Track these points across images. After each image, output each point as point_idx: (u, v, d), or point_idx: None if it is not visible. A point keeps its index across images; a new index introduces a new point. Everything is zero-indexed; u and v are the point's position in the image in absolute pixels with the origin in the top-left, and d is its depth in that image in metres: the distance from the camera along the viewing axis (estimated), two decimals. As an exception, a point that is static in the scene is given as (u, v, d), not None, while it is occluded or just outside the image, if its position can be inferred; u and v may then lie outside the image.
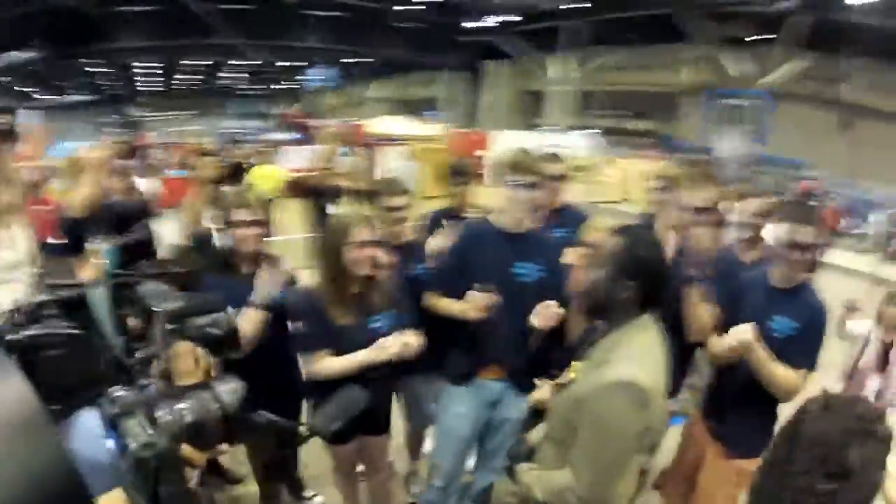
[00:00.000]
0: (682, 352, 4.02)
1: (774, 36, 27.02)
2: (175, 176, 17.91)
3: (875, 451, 1.84)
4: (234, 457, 5.31)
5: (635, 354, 2.67)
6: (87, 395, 1.58)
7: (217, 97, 63.40)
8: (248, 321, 3.96)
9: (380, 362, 3.86)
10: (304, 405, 4.52)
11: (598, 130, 33.64)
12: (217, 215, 4.84)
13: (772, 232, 4.91)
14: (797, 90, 28.05)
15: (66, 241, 5.08)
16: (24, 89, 41.85)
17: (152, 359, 1.75)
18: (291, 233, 9.73)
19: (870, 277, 15.09)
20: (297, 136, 33.72)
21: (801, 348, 3.78)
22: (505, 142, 23.47)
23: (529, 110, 41.42)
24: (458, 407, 4.39)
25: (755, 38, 28.93)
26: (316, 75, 48.28)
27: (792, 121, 27.82)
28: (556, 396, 2.98)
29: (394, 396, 4.80)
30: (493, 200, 4.40)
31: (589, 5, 32.17)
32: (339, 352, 3.92)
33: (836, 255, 15.17)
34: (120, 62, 42.51)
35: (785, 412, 3.47)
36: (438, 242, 4.71)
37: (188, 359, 1.90)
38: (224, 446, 1.83)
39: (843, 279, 13.57)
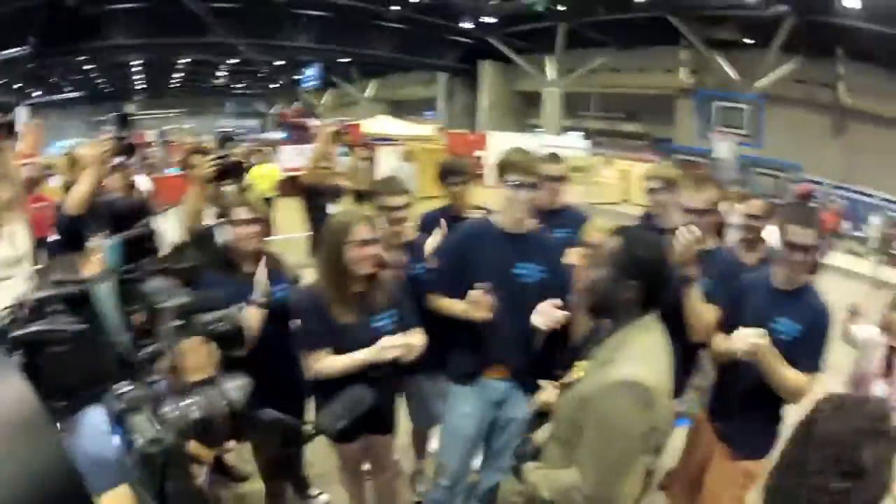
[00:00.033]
0: (686, 352, 4.01)
1: (768, 39, 27.04)
2: (173, 174, 17.96)
3: (887, 450, 1.84)
4: (240, 454, 5.33)
5: (639, 354, 2.68)
6: (92, 391, 1.57)
7: (213, 96, 63.30)
8: (249, 319, 3.94)
9: (382, 362, 3.85)
10: (307, 404, 4.53)
11: (581, 133, 33.84)
12: (217, 213, 4.84)
13: (773, 233, 4.92)
14: (790, 94, 28.01)
15: (64, 238, 5.06)
16: (20, 87, 41.73)
17: (159, 355, 1.73)
18: (290, 232, 9.73)
19: (869, 280, 15.15)
20: (294, 135, 33.73)
21: (807, 351, 3.79)
22: (500, 143, 23.49)
23: (524, 111, 41.49)
24: (463, 406, 4.38)
25: (748, 41, 28.96)
26: (312, 75, 48.26)
27: (785, 124, 27.82)
28: (562, 396, 2.98)
29: (398, 396, 4.79)
30: (493, 201, 4.40)
31: (583, 7, 32.24)
32: (341, 351, 3.91)
33: (835, 258, 15.21)
34: (115, 60, 42.44)
35: (791, 413, 3.48)
36: (432, 243, 4.70)
37: (197, 354, 1.88)
38: (231, 443, 1.81)
39: (843, 281, 13.61)
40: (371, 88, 51.99)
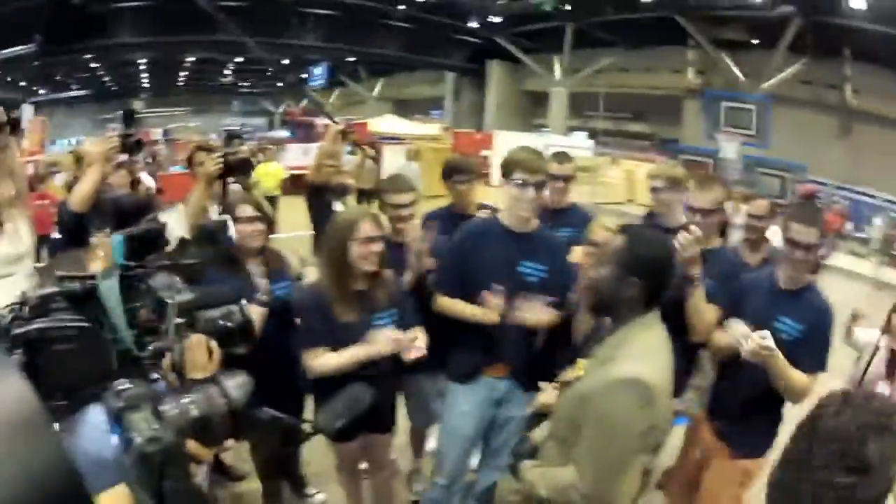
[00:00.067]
0: (686, 352, 4.01)
1: (774, 40, 26.95)
2: (178, 172, 18.00)
3: (892, 446, 1.84)
4: (237, 453, 5.29)
5: (641, 352, 2.68)
6: (96, 389, 1.56)
7: (219, 94, 63.20)
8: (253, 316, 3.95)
9: (378, 357, 3.86)
10: (306, 403, 4.53)
11: (587, 133, 33.89)
12: (221, 211, 4.83)
13: (776, 234, 4.91)
14: (797, 94, 27.94)
15: (67, 235, 5.07)
16: (25, 85, 41.74)
17: (164, 352, 1.72)
18: (293, 230, 9.74)
19: (871, 281, 15.13)
20: (299, 133, 33.79)
21: (809, 350, 3.79)
22: (507, 143, 23.48)
23: (531, 111, 41.40)
24: (462, 405, 4.37)
25: (755, 41, 28.88)
26: (319, 74, 48.26)
27: (791, 125, 27.73)
28: (561, 394, 2.98)
29: (398, 395, 4.79)
30: (499, 199, 4.39)
31: (591, 7, 32.17)
32: (342, 349, 3.91)
33: (838, 259, 15.20)
34: (121, 58, 42.38)
35: (791, 413, 3.47)
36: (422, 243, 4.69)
37: (201, 351, 1.87)
38: (230, 442, 1.80)
39: (845, 282, 13.59)
40: (378, 87, 51.94)
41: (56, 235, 6.14)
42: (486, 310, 4.02)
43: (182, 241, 2.25)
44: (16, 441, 0.83)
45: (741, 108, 29.94)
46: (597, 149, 30.77)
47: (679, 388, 3.74)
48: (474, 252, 4.24)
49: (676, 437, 4.42)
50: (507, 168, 4.12)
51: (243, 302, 2.01)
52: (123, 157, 5.67)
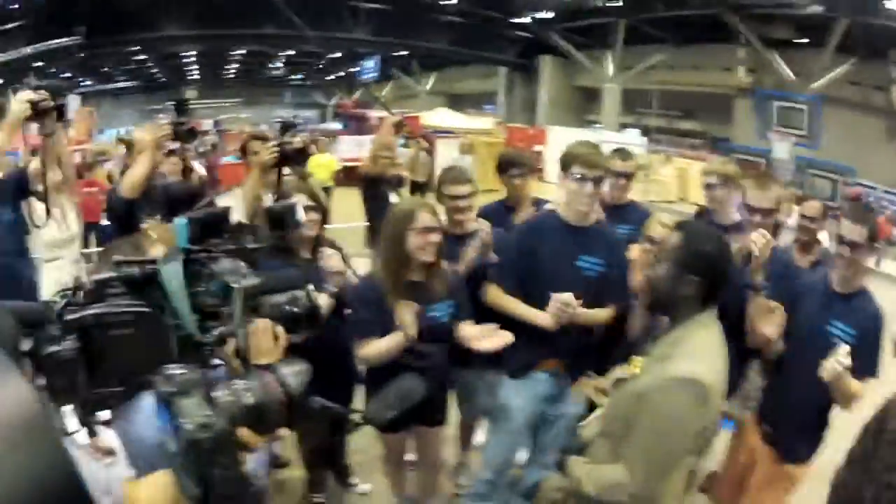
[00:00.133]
0: (739, 355, 3.93)
1: (823, 39, 26.62)
2: (229, 162, 18.12)
3: None
4: (282, 441, 5.30)
5: (697, 351, 2.66)
6: (154, 375, 1.54)
7: (269, 86, 63.63)
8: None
9: (430, 350, 3.87)
10: (356, 393, 4.56)
11: (639, 130, 33.65)
12: (275, 200, 4.84)
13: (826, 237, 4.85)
14: (845, 95, 27.58)
15: (117, 221, 5.10)
16: (69, 76, 42.16)
17: (228, 337, 1.70)
18: (346, 221, 9.77)
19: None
20: (352, 125, 33.97)
21: (862, 356, 3.67)
22: (560, 138, 23.39)
23: (583, 107, 41.26)
24: (513, 400, 4.34)
25: (803, 40, 28.55)
26: (370, 67, 48.53)
27: (840, 126, 27.35)
28: (616, 391, 2.96)
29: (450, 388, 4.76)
30: (557, 194, 4.36)
31: (641, 3, 32.03)
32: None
33: (885, 265, 15.00)
34: (167, 50, 42.68)
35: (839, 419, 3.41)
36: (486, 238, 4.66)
37: (267, 337, 1.85)
38: (283, 431, 1.78)
39: (893, 289, 13.41)
40: (430, 81, 52.10)
41: (105, 222, 6.19)
42: (541, 313, 4.00)
43: (239, 226, 2.24)
44: (16, 441, 0.82)
45: (793, 108, 29.60)
46: (649, 146, 30.48)
47: (731, 390, 3.69)
48: (534, 247, 4.22)
49: (721, 440, 4.36)
50: (566, 162, 4.10)
51: (310, 287, 1.98)
52: (175, 145, 5.72)
